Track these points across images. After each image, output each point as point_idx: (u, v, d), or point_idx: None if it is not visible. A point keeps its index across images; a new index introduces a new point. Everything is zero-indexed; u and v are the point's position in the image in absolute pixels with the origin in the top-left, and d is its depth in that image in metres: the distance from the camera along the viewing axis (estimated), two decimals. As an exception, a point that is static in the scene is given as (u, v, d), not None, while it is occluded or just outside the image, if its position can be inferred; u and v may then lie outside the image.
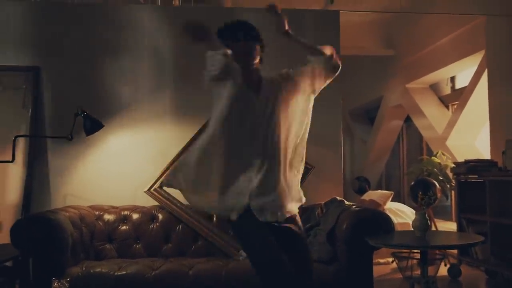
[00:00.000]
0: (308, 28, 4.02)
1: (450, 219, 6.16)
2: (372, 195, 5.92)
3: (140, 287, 2.69)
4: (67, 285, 2.35)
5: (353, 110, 9.20)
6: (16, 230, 2.72)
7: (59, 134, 3.40)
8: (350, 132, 9.49)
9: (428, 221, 2.55)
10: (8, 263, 2.89)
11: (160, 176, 3.54)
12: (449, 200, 5.80)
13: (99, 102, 3.71)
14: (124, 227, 3.34)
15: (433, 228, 4.90)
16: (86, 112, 3.24)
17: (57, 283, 2.36)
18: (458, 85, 6.60)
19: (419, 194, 3.96)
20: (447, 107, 6.71)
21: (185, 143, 3.64)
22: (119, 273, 2.73)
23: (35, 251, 2.73)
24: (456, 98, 6.34)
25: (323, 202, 3.45)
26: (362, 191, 6.83)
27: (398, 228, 5.13)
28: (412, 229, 2.69)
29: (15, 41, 3.75)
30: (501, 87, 4.58)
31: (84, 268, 2.78)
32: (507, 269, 3.83)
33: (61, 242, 2.77)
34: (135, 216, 3.39)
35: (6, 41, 3.73)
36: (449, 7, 4.70)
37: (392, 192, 5.76)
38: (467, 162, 4.36)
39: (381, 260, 4.93)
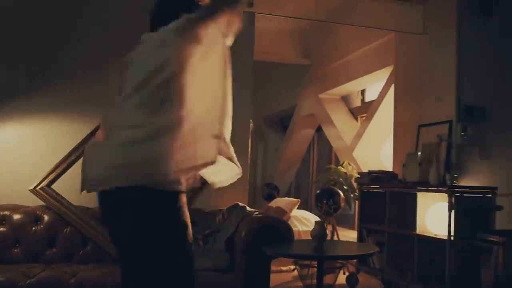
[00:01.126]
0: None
1: (353, 228, 6.31)
2: (279, 202, 5.91)
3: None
4: None
5: (268, 117, 9.23)
6: None
7: None
8: (264, 139, 9.51)
9: (327, 231, 2.50)
10: None
11: (49, 174, 3.22)
12: (352, 209, 5.93)
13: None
14: (1, 229, 2.98)
15: (335, 237, 4.96)
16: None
17: None
18: (367, 98, 6.81)
19: (322, 202, 3.95)
20: (356, 118, 6.91)
21: (80, 140, 3.34)
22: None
23: None
24: (365, 111, 6.53)
25: (226, 208, 3.33)
26: (270, 198, 6.81)
27: (302, 235, 5.14)
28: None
29: None
30: (406, 102, 4.74)
31: None
32: (400, 279, 3.93)
33: None
34: (16, 216, 3.05)
35: None
36: (361, 21, 4.80)
37: (299, 200, 5.79)
38: (370, 173, 4.44)
39: (284, 268, 4.90)
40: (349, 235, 5.67)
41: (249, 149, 4.02)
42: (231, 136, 1.79)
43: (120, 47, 1.93)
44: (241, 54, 3.83)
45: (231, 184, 3.23)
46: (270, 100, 8.43)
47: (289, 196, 7.81)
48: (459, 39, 3.96)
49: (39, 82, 3.47)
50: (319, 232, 2.44)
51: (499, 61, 3.99)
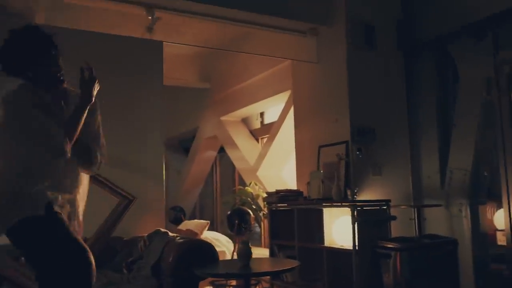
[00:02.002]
0: (132, 55, 3.96)
1: (259, 245, 6.57)
2: (188, 224, 5.98)
3: None
4: None
5: (168, 140, 9.23)
6: None
7: None
8: (165, 162, 9.50)
9: (251, 251, 2.69)
10: None
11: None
12: (259, 227, 6.19)
13: None
14: None
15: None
16: None
17: None
18: (267, 120, 7.19)
19: (234, 222, 4.15)
20: (257, 140, 7.24)
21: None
22: None
23: None
24: (265, 132, 6.88)
25: (146, 234, 3.37)
26: (178, 221, 6.84)
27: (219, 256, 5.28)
28: (230, 257, 2.80)
29: None
30: (305, 124, 5.13)
31: None
32: (312, 289, 4.23)
33: None
34: None
35: None
36: (259, 50, 5.14)
37: (209, 222, 5.92)
38: (277, 192, 4.73)
39: (199, 290, 4.98)
40: (259, 252, 5.91)
41: (163, 175, 4.09)
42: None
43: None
44: (151, 80, 3.97)
45: (149, 209, 3.32)
46: (170, 123, 8.49)
47: (194, 218, 7.90)
48: (349, 68, 4.43)
49: None
50: (244, 251, 2.61)
51: (382, 87, 4.56)
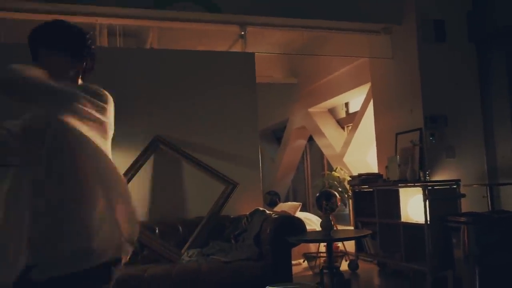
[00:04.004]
0: (228, 68, 4.77)
1: (349, 224, 7.19)
2: (283, 206, 6.76)
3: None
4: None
5: (262, 131, 10.10)
6: None
7: None
8: (260, 151, 10.38)
9: (332, 223, 3.36)
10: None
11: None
12: (347, 208, 6.81)
13: None
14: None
15: (335, 231, 5.83)
16: None
17: None
18: (351, 110, 7.73)
19: (324, 203, 4.84)
20: (343, 128, 7.82)
21: (124, 170, 4.18)
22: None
23: None
24: (350, 121, 7.44)
25: (248, 213, 4.18)
26: (273, 204, 7.66)
27: (307, 233, 6.01)
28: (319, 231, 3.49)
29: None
30: (384, 114, 5.65)
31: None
32: (392, 260, 4.81)
33: None
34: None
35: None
36: (338, 50, 5.73)
37: (301, 203, 6.65)
38: (359, 175, 5.34)
39: (294, 262, 5.74)
40: (347, 229, 6.55)
41: (260, 162, 4.85)
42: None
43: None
44: (245, 80, 4.75)
45: (249, 193, 4.07)
46: (263, 116, 9.31)
47: (288, 201, 8.68)
48: (421, 61, 4.89)
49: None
50: (326, 223, 3.30)
51: (453, 77, 4.95)
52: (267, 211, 4.07)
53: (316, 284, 2.99)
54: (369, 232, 3.40)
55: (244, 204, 4.44)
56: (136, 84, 4.45)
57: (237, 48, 5.33)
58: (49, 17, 1.85)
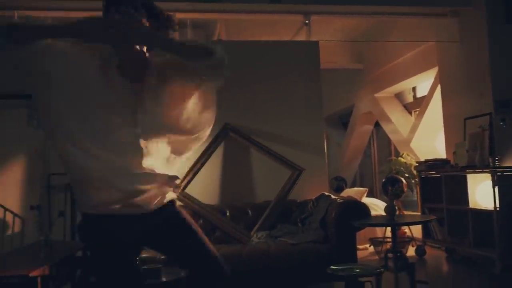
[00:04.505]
0: (293, 56, 4.90)
1: (417, 210, 7.14)
2: (349, 192, 6.84)
3: (182, 266, 3.48)
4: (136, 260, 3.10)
5: (328, 117, 10.13)
6: (79, 226, 3.49)
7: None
8: (326, 136, 10.43)
9: (396, 208, 3.44)
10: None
11: (182, 181, 4.35)
12: (414, 193, 6.76)
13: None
14: (155, 224, 4.14)
15: (402, 217, 5.84)
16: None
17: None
18: (419, 94, 7.60)
19: (387, 188, 4.89)
20: (410, 113, 7.71)
21: (198, 155, 4.46)
22: (164, 256, 3.53)
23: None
24: (418, 106, 7.33)
25: (314, 198, 4.33)
26: (340, 190, 7.73)
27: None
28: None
29: None
30: (452, 98, 5.56)
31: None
32: (460, 246, 4.79)
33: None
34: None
35: None
36: (404, 35, 5.67)
37: (367, 189, 6.69)
38: (426, 161, 5.32)
39: (360, 246, 5.84)
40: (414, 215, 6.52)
41: (325, 149, 4.97)
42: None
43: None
44: (309, 66, 4.87)
45: (315, 178, 4.18)
46: (329, 101, 9.35)
47: (355, 186, 8.71)
48: (490, 44, 4.76)
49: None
50: (390, 208, 3.38)
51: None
52: (332, 196, 4.20)
53: (380, 267, 3.10)
54: (433, 217, 3.45)
55: (310, 189, 4.60)
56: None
57: (301, 36, 5.45)
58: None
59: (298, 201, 4.47)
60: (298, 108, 4.87)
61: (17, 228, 5.32)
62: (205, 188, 4.45)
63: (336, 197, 4.16)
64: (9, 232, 5.19)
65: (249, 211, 4.33)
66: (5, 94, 4.31)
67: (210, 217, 4.21)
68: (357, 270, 2.75)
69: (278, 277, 3.59)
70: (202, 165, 4.43)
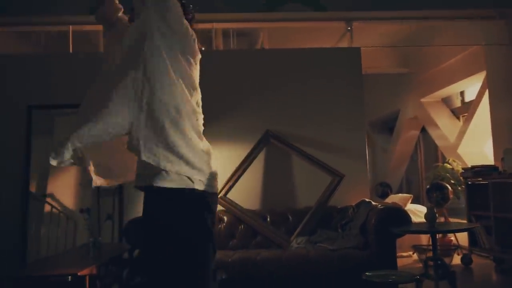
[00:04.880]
0: (334, 63, 4.92)
1: (464, 218, 6.94)
2: (393, 198, 6.75)
3: (222, 268, 3.57)
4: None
5: (373, 122, 10.04)
6: (126, 229, 3.67)
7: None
8: (371, 141, 10.32)
9: (436, 214, 3.40)
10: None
11: (224, 186, 4.46)
12: (462, 201, 6.59)
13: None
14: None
15: (447, 224, 5.71)
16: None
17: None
18: (468, 98, 7.40)
19: (432, 195, 4.81)
20: (458, 118, 7.52)
21: (240, 162, 4.56)
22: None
23: (140, 245, 3.66)
24: (466, 110, 7.14)
25: (354, 204, 4.33)
26: (384, 196, 7.65)
27: (417, 225, 5.96)
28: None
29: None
30: (501, 103, 5.40)
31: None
32: (508, 255, 4.64)
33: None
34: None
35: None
36: (449, 39, 5.56)
37: (412, 195, 6.58)
38: (473, 167, 5.19)
39: (404, 254, 5.76)
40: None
41: (367, 155, 4.95)
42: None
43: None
44: (351, 72, 4.87)
45: (356, 185, 4.20)
46: (374, 106, 9.26)
47: (401, 192, 8.57)
48: (542, 48, 4.61)
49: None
50: (430, 215, 3.35)
51: None
52: (373, 203, 4.19)
53: (417, 275, 3.08)
54: (476, 225, 3.38)
55: (351, 195, 4.60)
56: (249, 83, 4.82)
57: (344, 42, 5.46)
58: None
59: (339, 207, 4.48)
60: (339, 114, 4.88)
61: (70, 230, 5.60)
62: (246, 194, 4.54)
63: (377, 204, 4.15)
64: (64, 232, 5.48)
65: (290, 217, 4.38)
66: (65, 104, 4.55)
67: (251, 222, 4.29)
68: (393, 277, 2.75)
69: (317, 282, 3.62)
70: (244, 171, 4.53)
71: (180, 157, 1.74)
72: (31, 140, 4.68)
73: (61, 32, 5.07)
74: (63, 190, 6.22)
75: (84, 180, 6.07)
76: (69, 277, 2.79)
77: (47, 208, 5.47)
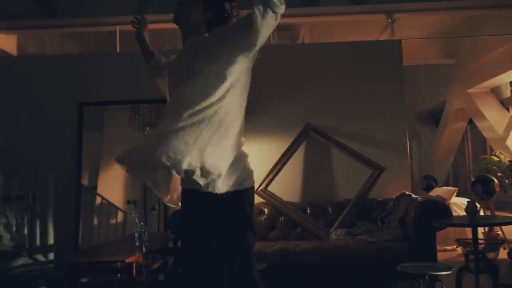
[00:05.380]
0: (374, 56, 4.91)
1: (512, 212, 6.75)
2: (438, 191, 6.65)
3: (262, 259, 3.66)
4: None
5: (419, 114, 9.86)
6: (170, 220, 3.85)
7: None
8: (417, 134, 10.14)
9: (477, 207, 3.36)
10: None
11: (264, 180, 4.57)
12: (509, 194, 6.40)
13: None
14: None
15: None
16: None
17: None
18: (517, 88, 7.16)
19: (476, 188, 4.74)
20: (507, 109, 7.28)
21: (279, 155, 4.65)
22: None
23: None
24: (515, 101, 6.92)
25: (395, 196, 4.33)
26: (429, 189, 7.52)
27: (462, 219, 5.87)
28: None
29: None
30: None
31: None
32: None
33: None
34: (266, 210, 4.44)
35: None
36: (498, 25, 5.40)
37: (456, 188, 6.47)
38: (519, 160, 5.05)
39: (448, 247, 5.69)
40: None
41: (408, 148, 4.92)
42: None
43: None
44: (391, 65, 4.84)
45: (396, 177, 4.18)
46: (419, 98, 9.09)
47: (447, 185, 8.40)
48: None
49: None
50: (470, 208, 3.32)
51: None
52: (413, 195, 4.18)
53: (461, 268, 3.09)
54: (518, 218, 3.32)
55: (391, 188, 4.59)
56: (289, 77, 4.89)
57: (386, 35, 5.42)
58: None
59: (379, 199, 4.49)
60: (379, 107, 4.87)
61: (119, 221, 5.89)
62: (286, 186, 4.63)
63: (417, 197, 4.13)
64: (113, 223, 5.77)
65: (329, 209, 4.44)
66: (113, 101, 4.82)
67: (291, 214, 4.38)
68: (428, 268, 2.77)
69: (356, 273, 3.67)
70: (284, 164, 4.61)
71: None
72: (83, 136, 4.95)
73: (109, 32, 5.30)
74: (112, 183, 6.54)
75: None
76: (119, 263, 2.99)
77: (98, 200, 5.78)
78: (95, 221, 5.64)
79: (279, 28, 6.14)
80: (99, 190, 6.14)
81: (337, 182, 4.72)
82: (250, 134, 4.89)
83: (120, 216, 5.89)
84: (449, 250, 5.66)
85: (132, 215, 3.35)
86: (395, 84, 4.89)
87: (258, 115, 4.69)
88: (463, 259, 5.17)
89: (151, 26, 2.39)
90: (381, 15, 5.04)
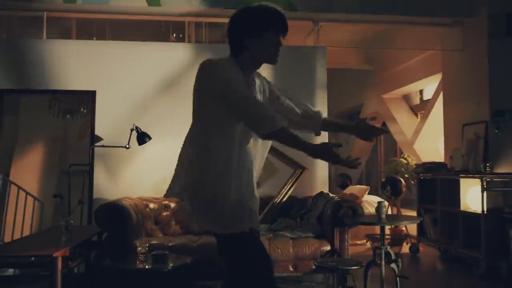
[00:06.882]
0: (301, 60, 5.17)
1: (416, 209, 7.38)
2: (352, 189, 7.12)
3: (187, 253, 3.77)
4: (146, 246, 3.43)
5: (337, 114, 10.39)
6: (98, 213, 3.86)
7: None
8: (335, 135, 10.69)
9: (385, 208, 3.72)
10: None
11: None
12: (413, 192, 7.02)
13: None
14: (165, 213, 4.49)
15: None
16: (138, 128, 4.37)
17: (140, 246, 3.43)
18: (426, 97, 7.82)
19: (385, 188, 5.18)
20: (416, 115, 7.94)
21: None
22: (171, 244, 3.87)
23: (111, 228, 3.85)
24: (424, 107, 7.56)
25: (314, 195, 4.63)
26: (344, 186, 8.02)
27: (372, 216, 6.34)
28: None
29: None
30: (452, 104, 5.79)
31: (143, 241, 3.90)
32: (451, 245, 5.06)
33: (128, 222, 3.89)
34: (173, 204, 4.53)
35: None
36: (409, 43, 5.88)
37: (369, 187, 6.97)
38: (424, 163, 5.57)
39: (358, 242, 6.14)
40: (411, 214, 6.79)
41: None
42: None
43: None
44: (316, 67, 5.12)
45: (316, 177, 4.46)
46: (339, 100, 9.62)
47: (361, 184, 8.98)
48: (490, 55, 4.98)
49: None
50: (380, 208, 3.67)
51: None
52: (331, 195, 4.49)
53: (368, 262, 3.42)
54: (417, 220, 3.74)
55: (311, 187, 4.90)
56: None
57: (311, 41, 5.71)
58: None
59: (299, 197, 4.77)
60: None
61: (37, 211, 5.72)
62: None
63: (334, 196, 4.45)
64: (29, 213, 5.60)
65: (252, 205, 4.63)
66: (32, 89, 4.70)
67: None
68: (341, 263, 3.07)
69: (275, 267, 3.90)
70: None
71: None
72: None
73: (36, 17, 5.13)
74: (28, 172, 6.31)
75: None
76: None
77: (13, 189, 5.57)
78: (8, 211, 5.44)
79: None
80: (11, 178, 5.90)
81: (260, 180, 4.92)
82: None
83: (37, 209, 5.72)
84: (360, 244, 6.11)
85: (58, 209, 3.34)
86: (319, 87, 5.17)
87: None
88: (371, 253, 5.66)
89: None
90: (307, 22, 5.30)
